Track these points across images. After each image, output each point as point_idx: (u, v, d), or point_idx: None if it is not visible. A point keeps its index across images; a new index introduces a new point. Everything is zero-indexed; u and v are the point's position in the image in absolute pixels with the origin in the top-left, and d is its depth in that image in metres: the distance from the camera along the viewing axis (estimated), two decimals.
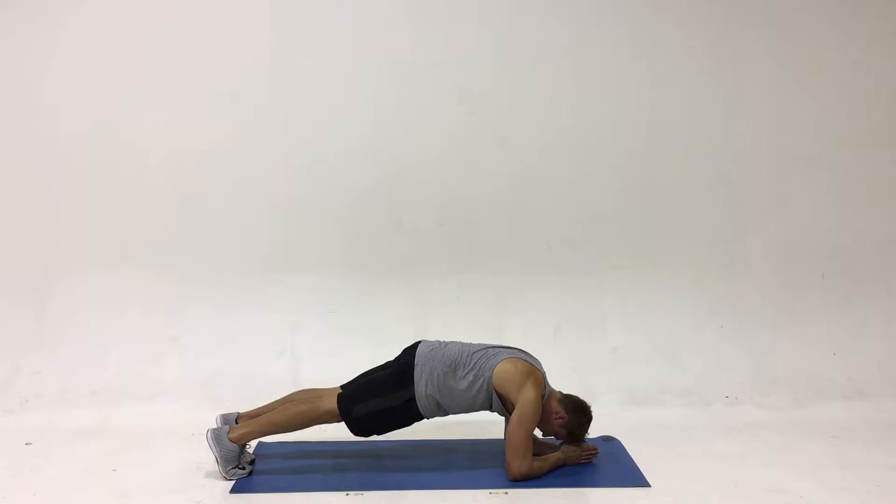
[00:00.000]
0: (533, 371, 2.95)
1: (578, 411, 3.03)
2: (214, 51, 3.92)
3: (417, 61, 3.97)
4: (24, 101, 3.88)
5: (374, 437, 3.07)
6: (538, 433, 3.06)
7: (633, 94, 4.03)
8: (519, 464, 2.87)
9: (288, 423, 2.96)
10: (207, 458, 3.01)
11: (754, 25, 4.02)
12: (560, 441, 3.09)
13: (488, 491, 2.83)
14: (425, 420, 3.03)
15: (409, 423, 3.02)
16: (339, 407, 2.94)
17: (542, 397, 2.94)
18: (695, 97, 4.04)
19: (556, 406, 3.00)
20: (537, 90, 4.01)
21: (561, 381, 3.24)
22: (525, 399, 2.87)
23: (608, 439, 3.34)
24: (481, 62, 3.99)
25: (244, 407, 3.25)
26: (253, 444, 3.13)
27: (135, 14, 3.88)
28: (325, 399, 2.98)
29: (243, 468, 2.94)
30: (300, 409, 2.96)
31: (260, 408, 3.13)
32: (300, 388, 3.31)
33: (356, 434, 2.99)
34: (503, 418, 3.06)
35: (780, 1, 4.02)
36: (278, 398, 3.16)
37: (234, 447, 2.91)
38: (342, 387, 3.07)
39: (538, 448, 3.05)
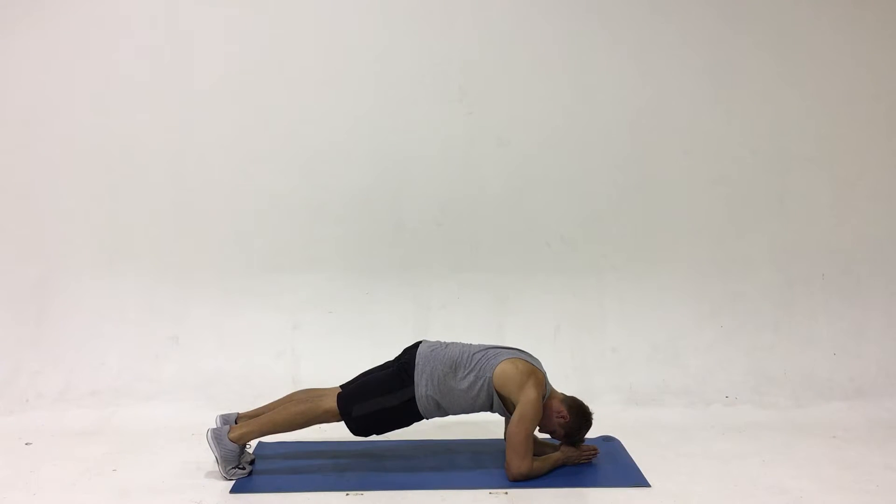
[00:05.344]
0: (534, 371, 2.95)
1: (581, 415, 3.04)
2: (214, 50, 3.92)
3: (417, 61, 3.98)
4: (24, 101, 3.88)
5: (374, 437, 3.07)
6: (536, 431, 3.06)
7: (633, 94, 4.03)
8: (519, 464, 2.87)
9: (288, 423, 2.96)
10: (207, 458, 3.02)
11: (754, 25, 4.02)
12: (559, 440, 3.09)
13: (488, 491, 2.83)
14: (425, 420, 3.03)
15: (408, 424, 3.02)
16: (338, 406, 2.94)
17: (543, 397, 2.94)
18: (695, 97, 4.04)
19: (558, 405, 3.00)
20: (537, 90, 4.01)
21: (561, 381, 3.24)
22: (526, 399, 2.87)
23: (608, 439, 3.34)
24: (481, 62, 3.99)
25: (244, 407, 3.26)
26: (253, 444, 3.13)
27: (135, 14, 3.88)
28: (325, 399, 2.98)
29: (243, 468, 2.94)
30: (300, 408, 2.96)
31: (260, 408, 3.14)
32: (300, 388, 3.31)
33: (356, 434, 2.99)
34: (503, 418, 3.06)
35: (780, 1, 4.02)
36: (278, 398, 3.16)
37: (235, 447, 2.91)
38: (342, 386, 3.07)
39: (538, 448, 3.06)
